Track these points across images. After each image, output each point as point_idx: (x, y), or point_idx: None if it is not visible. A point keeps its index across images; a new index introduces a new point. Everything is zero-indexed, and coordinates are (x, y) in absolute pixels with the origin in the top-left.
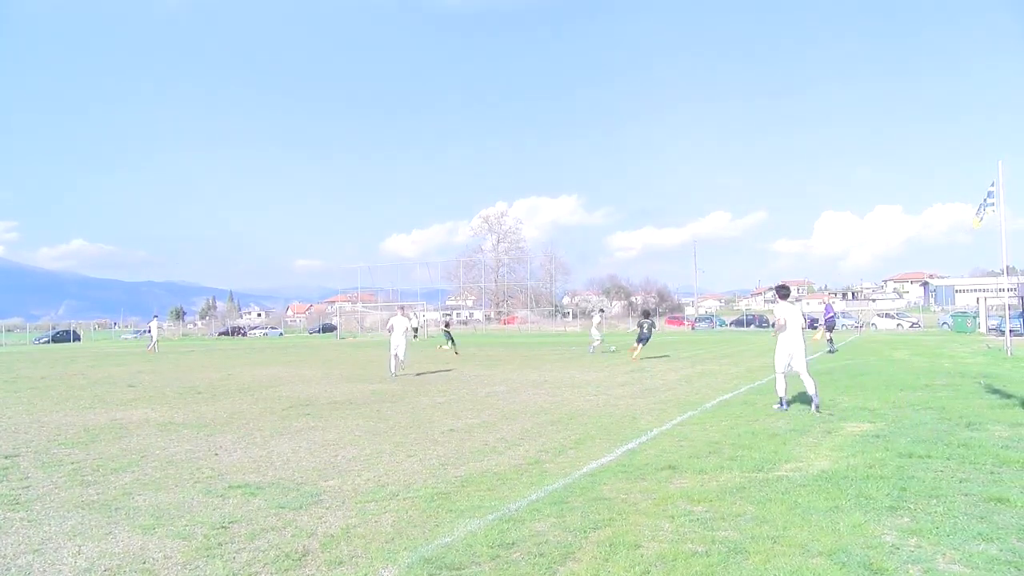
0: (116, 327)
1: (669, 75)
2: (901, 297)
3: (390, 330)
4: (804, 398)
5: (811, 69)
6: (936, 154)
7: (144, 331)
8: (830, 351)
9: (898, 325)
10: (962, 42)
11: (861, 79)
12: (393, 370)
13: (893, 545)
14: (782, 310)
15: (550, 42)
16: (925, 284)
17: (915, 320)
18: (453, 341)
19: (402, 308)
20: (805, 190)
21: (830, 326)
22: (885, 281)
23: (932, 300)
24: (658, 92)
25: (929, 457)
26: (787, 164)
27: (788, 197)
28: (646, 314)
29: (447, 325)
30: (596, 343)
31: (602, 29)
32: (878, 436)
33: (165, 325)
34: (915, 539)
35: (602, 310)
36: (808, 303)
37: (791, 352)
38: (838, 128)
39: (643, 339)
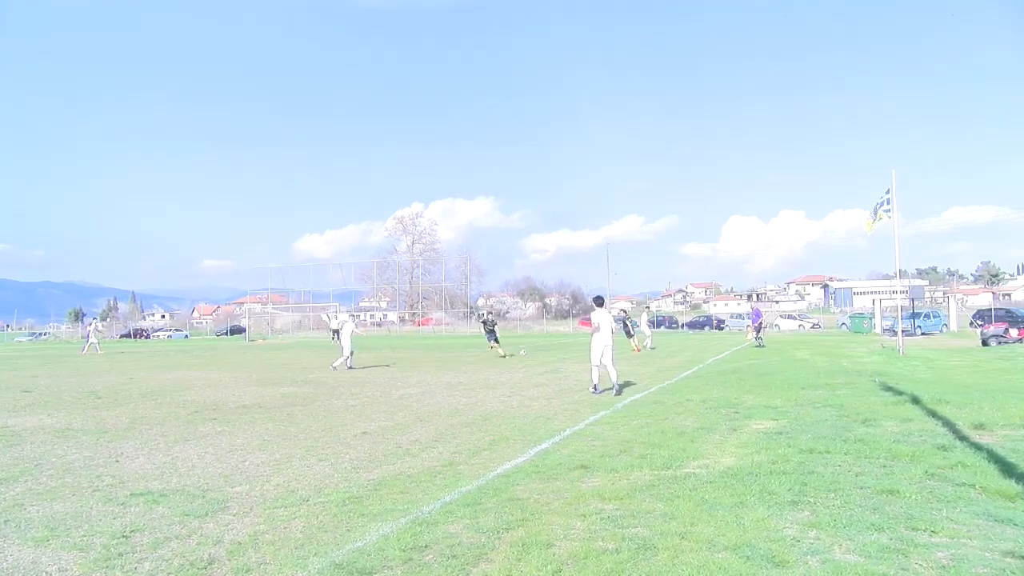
0: (10, 329)
1: (585, 81)
2: (803, 299)
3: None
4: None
5: (719, 78)
6: (837, 162)
7: (40, 334)
8: (758, 346)
9: (800, 326)
10: (858, 59)
11: (766, 89)
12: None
13: (794, 538)
14: (597, 315)
15: (469, 45)
16: (825, 287)
17: (816, 321)
18: (498, 341)
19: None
20: (714, 195)
21: (758, 327)
22: (788, 283)
23: (832, 302)
24: (574, 97)
25: (828, 452)
26: (697, 170)
27: (698, 202)
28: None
29: (491, 324)
30: (647, 341)
31: (521, 33)
32: (781, 433)
33: (101, 326)
34: (815, 532)
35: (647, 307)
36: (715, 305)
37: (602, 349)
38: (746, 135)
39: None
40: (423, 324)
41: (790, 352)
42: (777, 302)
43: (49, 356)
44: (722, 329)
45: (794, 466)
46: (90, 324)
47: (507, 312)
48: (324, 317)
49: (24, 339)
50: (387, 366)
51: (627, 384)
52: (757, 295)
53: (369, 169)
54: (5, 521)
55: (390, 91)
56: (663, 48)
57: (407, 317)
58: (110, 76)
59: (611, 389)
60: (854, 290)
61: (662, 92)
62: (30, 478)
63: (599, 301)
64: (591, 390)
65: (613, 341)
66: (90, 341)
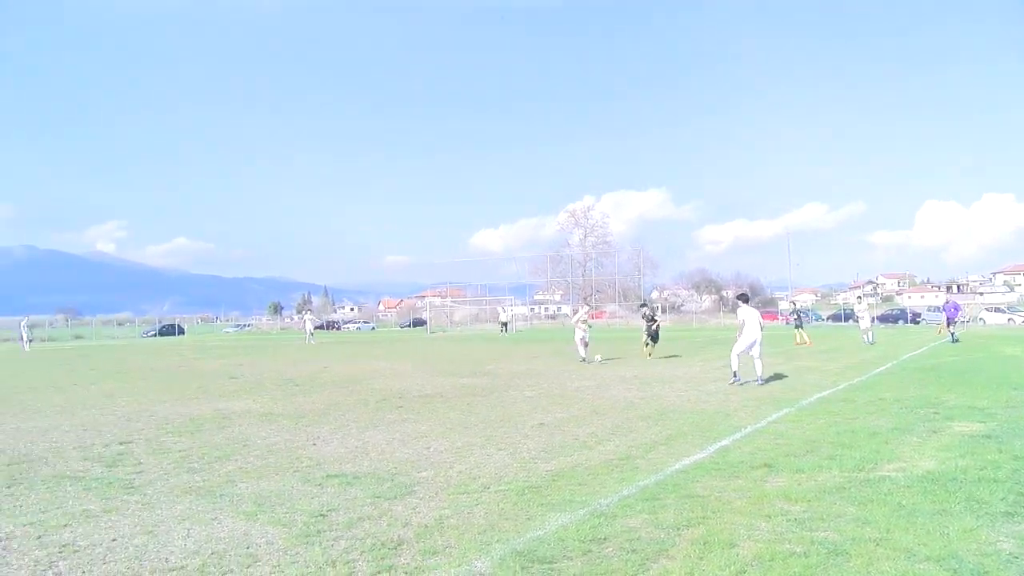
0: (218, 321)
1: (759, 62)
2: (1012, 290)
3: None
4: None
5: (911, 51)
6: None
7: (245, 326)
8: (953, 341)
9: (1009, 320)
10: None
11: (963, 60)
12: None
13: (1011, 554)
14: (743, 312)
15: (636, 35)
16: None
17: None
18: (801, 328)
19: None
20: (906, 179)
21: (951, 320)
22: (994, 273)
23: None
24: (748, 80)
25: None
26: (887, 153)
27: (888, 187)
28: (644, 304)
29: (798, 316)
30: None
31: (688, 18)
32: (989, 437)
33: (315, 319)
34: None
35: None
36: (910, 297)
37: (751, 343)
38: (941, 112)
39: (653, 336)
40: (597, 317)
41: (997, 348)
42: (981, 294)
43: (252, 346)
44: (918, 323)
45: (1007, 473)
46: (306, 315)
47: (682, 305)
48: (499, 310)
49: (230, 330)
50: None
51: (776, 377)
52: (957, 286)
53: (541, 164)
54: (220, 495)
55: (558, 85)
56: (841, 15)
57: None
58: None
59: (756, 380)
60: None
61: (842, 63)
62: (239, 457)
63: (744, 298)
64: (731, 381)
65: (762, 336)
66: (309, 331)
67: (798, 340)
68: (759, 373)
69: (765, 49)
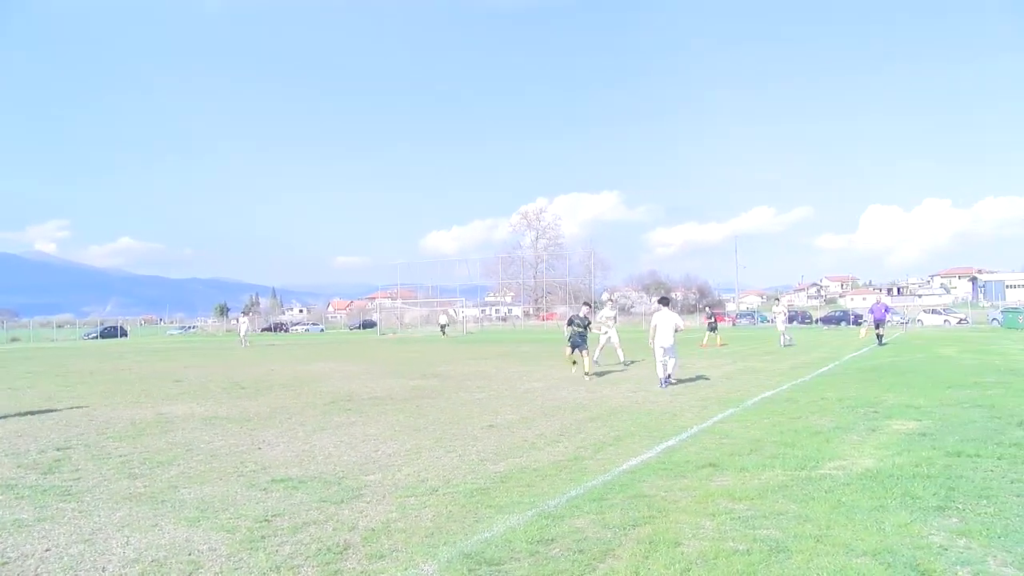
0: (162, 323)
1: (712, 69)
2: (948, 293)
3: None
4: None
5: (858, 57)
6: (989, 145)
7: (189, 328)
8: (881, 344)
9: (945, 321)
10: (1017, 28)
11: (911, 66)
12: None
13: (941, 546)
14: (658, 316)
15: (592, 38)
16: (974, 280)
17: (963, 316)
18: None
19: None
20: (851, 184)
21: (879, 321)
22: (932, 276)
23: (981, 296)
24: (701, 87)
25: (979, 456)
26: (833, 158)
27: (833, 192)
28: (587, 304)
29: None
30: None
31: (644, 23)
32: (925, 434)
33: (251, 321)
34: (964, 540)
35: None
36: (852, 299)
37: (665, 347)
38: (886, 119)
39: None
40: (547, 318)
41: (934, 349)
42: (920, 296)
43: (197, 348)
44: (860, 324)
45: (940, 470)
46: (241, 318)
47: (632, 307)
48: (440, 313)
49: (175, 332)
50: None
51: (726, 378)
52: (898, 288)
53: (494, 166)
54: (162, 501)
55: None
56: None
57: (531, 311)
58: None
59: (665, 381)
60: (1007, 283)
61: (793, 73)
62: (182, 462)
63: (664, 301)
64: (661, 385)
65: (675, 339)
66: (242, 334)
67: (705, 342)
68: (670, 370)
69: (716, 55)
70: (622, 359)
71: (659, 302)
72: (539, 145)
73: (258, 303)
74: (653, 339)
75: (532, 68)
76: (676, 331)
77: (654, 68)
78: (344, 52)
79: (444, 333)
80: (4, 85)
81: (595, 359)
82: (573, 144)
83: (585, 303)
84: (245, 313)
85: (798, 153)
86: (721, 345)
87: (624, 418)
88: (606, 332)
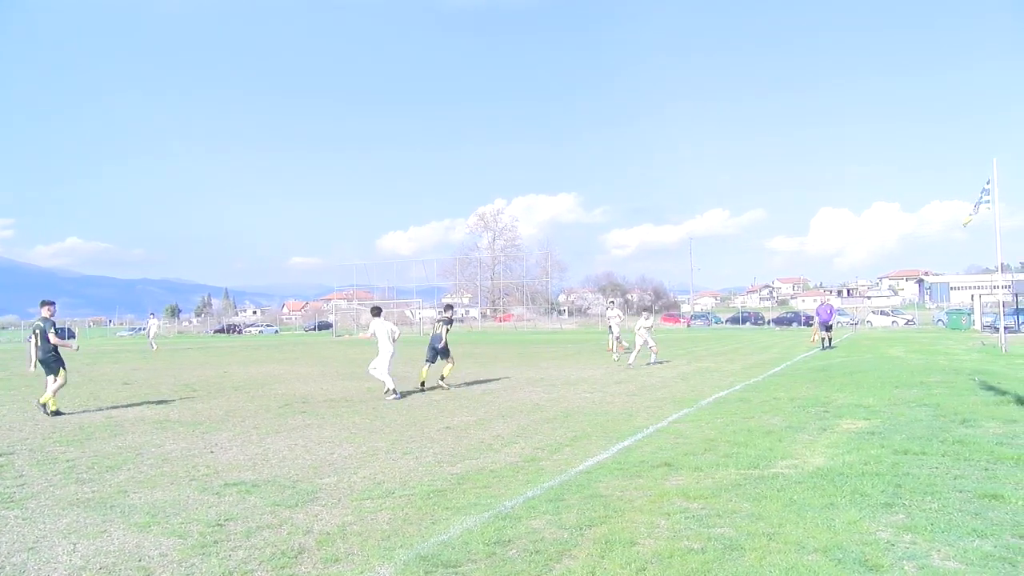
0: (111, 324)
1: (667, 74)
2: (896, 294)
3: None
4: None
5: (809, 66)
6: (936, 151)
7: (139, 329)
8: (825, 348)
9: (893, 322)
10: (962, 41)
11: (860, 75)
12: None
13: (888, 542)
14: (374, 325)
15: (550, 42)
16: (920, 281)
17: (910, 317)
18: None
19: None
20: (803, 188)
21: (825, 323)
22: (880, 278)
23: (927, 297)
24: (656, 91)
25: (924, 454)
26: (786, 162)
27: (786, 194)
28: (448, 308)
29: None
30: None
31: (600, 29)
32: (873, 433)
33: (162, 323)
34: (910, 536)
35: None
36: (804, 300)
37: (389, 355)
38: (837, 125)
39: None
40: (505, 320)
41: (883, 349)
42: (869, 297)
43: (148, 350)
44: (811, 325)
45: (887, 467)
46: (150, 320)
47: (588, 308)
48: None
49: (124, 334)
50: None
51: (681, 378)
52: (847, 290)
53: (452, 167)
54: (111, 507)
55: (471, 89)
56: (745, 31)
57: (488, 313)
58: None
59: (393, 394)
60: (951, 285)
61: (746, 79)
62: (132, 466)
63: (376, 311)
64: (391, 397)
65: (394, 349)
66: (150, 337)
67: (609, 346)
68: (382, 379)
69: (671, 60)
70: (653, 357)
71: (372, 311)
72: (497, 147)
73: (210, 304)
74: (379, 350)
75: (493, 71)
76: (394, 341)
77: (614, 73)
78: (301, 52)
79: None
80: None
81: (630, 362)
82: (531, 146)
83: (448, 306)
84: (152, 313)
85: (752, 157)
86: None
87: (581, 419)
88: (642, 335)
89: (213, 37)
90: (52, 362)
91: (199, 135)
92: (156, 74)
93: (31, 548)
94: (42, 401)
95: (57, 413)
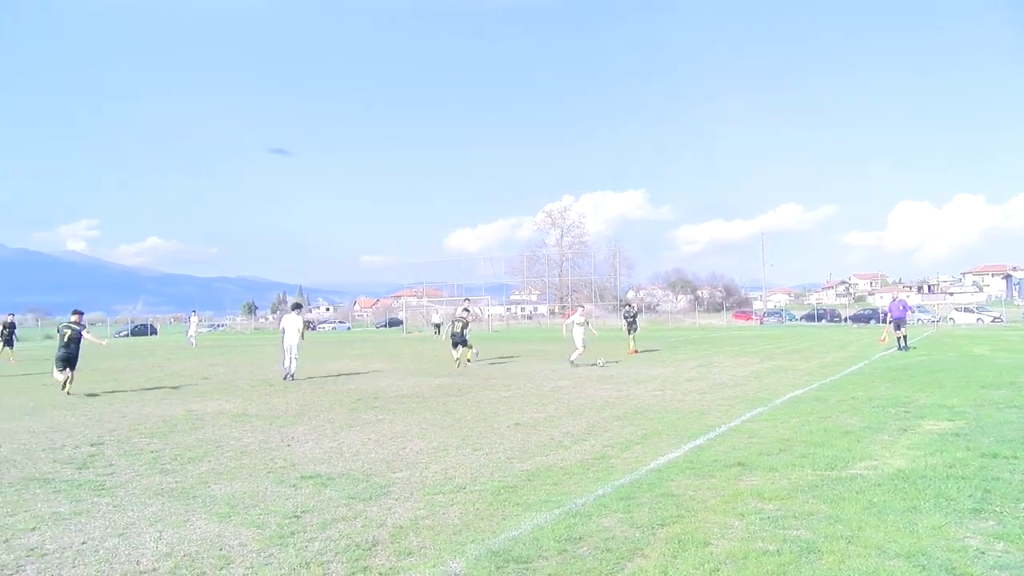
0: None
1: (738, 66)
2: (981, 291)
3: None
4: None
5: (885, 54)
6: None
7: (219, 326)
8: (900, 348)
9: (978, 320)
10: None
11: (939, 64)
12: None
13: (978, 550)
14: (285, 320)
15: (616, 36)
16: (1008, 277)
17: (997, 315)
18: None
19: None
20: (880, 181)
21: (899, 321)
22: (963, 274)
23: (1016, 294)
24: (725, 84)
25: (1015, 458)
26: (861, 154)
27: (861, 188)
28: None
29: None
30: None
31: (668, 22)
32: (958, 435)
33: (201, 319)
34: (1002, 544)
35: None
36: (881, 297)
37: (291, 345)
38: (914, 117)
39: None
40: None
41: (967, 348)
42: (951, 294)
43: (225, 346)
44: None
45: (974, 471)
46: (192, 316)
47: (657, 305)
48: (433, 311)
49: (203, 330)
50: (509, 358)
51: (754, 377)
52: (928, 286)
53: (520, 164)
54: (193, 497)
55: (539, 86)
56: (815, 22)
57: (556, 310)
58: (276, 85)
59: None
60: None
61: (820, 67)
62: (212, 458)
63: (296, 307)
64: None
65: (300, 341)
66: (190, 334)
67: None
68: (292, 369)
69: (743, 53)
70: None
71: (292, 308)
72: (565, 144)
73: (285, 301)
74: (281, 341)
75: (561, 67)
76: (301, 335)
77: (682, 67)
78: (383, 56)
79: (438, 333)
80: (33, 87)
81: (572, 358)
82: (599, 143)
83: (466, 298)
84: (193, 311)
85: (826, 151)
86: (633, 352)
87: (651, 417)
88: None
89: (293, 41)
90: (75, 359)
91: (269, 137)
92: (229, 75)
93: (121, 534)
94: (69, 391)
95: (68, 393)
